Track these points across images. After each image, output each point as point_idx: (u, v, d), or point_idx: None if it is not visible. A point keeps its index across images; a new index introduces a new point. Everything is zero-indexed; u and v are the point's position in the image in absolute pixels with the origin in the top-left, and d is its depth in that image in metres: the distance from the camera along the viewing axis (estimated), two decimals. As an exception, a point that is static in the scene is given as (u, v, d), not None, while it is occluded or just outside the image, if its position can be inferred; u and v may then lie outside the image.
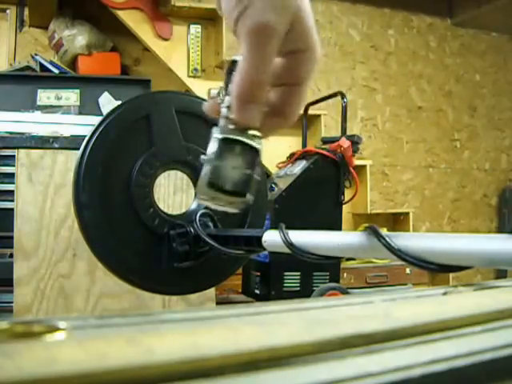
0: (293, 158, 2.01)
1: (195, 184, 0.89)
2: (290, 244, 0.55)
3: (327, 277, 1.88)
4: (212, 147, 0.42)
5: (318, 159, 1.90)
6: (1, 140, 1.34)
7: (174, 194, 1.19)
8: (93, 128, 0.81)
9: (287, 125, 0.43)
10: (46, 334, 0.21)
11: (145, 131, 0.83)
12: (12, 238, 1.20)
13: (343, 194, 1.92)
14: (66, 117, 1.90)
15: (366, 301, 0.32)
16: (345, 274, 2.21)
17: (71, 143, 1.27)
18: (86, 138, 0.80)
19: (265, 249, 0.64)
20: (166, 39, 2.54)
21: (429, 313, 0.26)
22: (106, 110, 1.96)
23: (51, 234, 1.20)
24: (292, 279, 1.84)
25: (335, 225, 1.89)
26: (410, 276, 2.35)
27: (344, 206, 1.97)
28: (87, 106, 2.35)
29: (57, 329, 0.22)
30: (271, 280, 1.83)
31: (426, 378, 0.19)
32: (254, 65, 0.38)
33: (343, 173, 1.90)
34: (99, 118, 0.83)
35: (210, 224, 0.83)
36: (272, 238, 0.61)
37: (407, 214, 2.93)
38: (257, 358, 0.19)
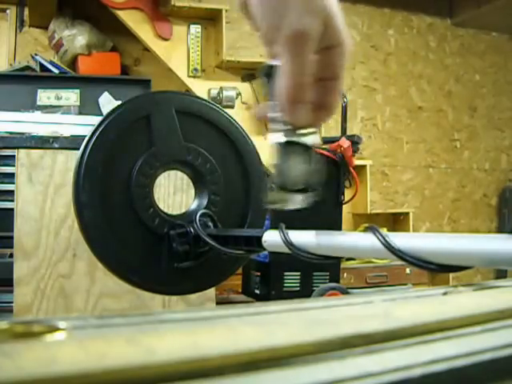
0: (293, 158, 2.01)
1: (195, 184, 0.89)
2: (289, 244, 0.55)
3: (327, 277, 1.88)
4: (273, 153, 0.45)
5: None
6: (1, 140, 1.34)
7: (173, 194, 1.19)
8: (93, 128, 0.81)
9: (330, 116, 0.47)
10: (45, 333, 0.21)
11: (145, 131, 0.83)
12: (12, 237, 1.20)
13: (343, 194, 1.92)
14: (65, 117, 1.90)
15: (366, 301, 0.32)
16: (345, 274, 2.21)
17: (71, 143, 1.27)
18: (86, 138, 0.80)
19: (265, 249, 0.64)
20: (165, 39, 2.54)
21: (429, 313, 0.26)
22: (105, 110, 1.96)
23: (51, 234, 1.20)
24: (292, 279, 1.84)
25: (335, 225, 1.89)
26: (410, 276, 2.35)
27: (344, 206, 1.97)
28: (87, 106, 2.35)
29: (57, 329, 0.22)
30: (271, 280, 1.83)
31: (425, 378, 0.19)
32: (296, 68, 0.41)
33: (343, 173, 1.90)
34: (99, 118, 0.83)
35: (210, 224, 0.83)
36: (272, 238, 0.61)
37: (407, 214, 2.93)
38: (257, 358, 0.19)
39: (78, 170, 0.79)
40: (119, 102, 0.88)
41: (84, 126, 1.70)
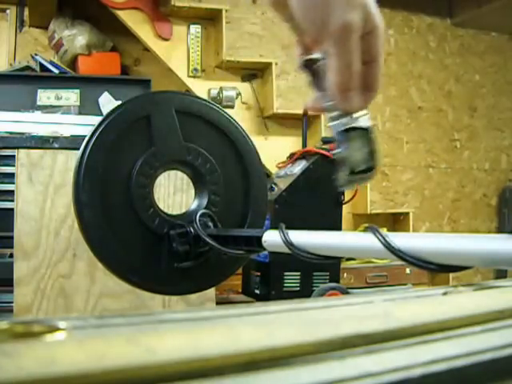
0: (293, 158, 2.01)
1: (195, 184, 0.89)
2: (290, 244, 0.55)
3: (327, 277, 1.88)
4: (336, 141, 0.50)
5: (318, 159, 1.90)
6: (1, 140, 1.34)
7: (173, 194, 1.19)
8: (93, 128, 0.81)
9: (375, 96, 0.50)
10: (45, 333, 0.21)
11: (145, 131, 0.83)
12: (12, 237, 1.20)
13: (343, 194, 1.92)
14: (65, 117, 1.90)
15: (366, 301, 0.32)
16: (345, 274, 2.21)
17: (71, 143, 1.27)
18: (86, 138, 0.80)
19: (265, 249, 0.64)
20: (166, 39, 2.54)
21: (429, 313, 0.26)
22: (106, 110, 1.96)
23: (51, 234, 1.20)
24: (292, 279, 1.84)
25: (335, 225, 1.89)
26: (410, 276, 2.35)
27: (344, 206, 1.97)
28: (87, 106, 2.35)
29: (57, 329, 0.22)
30: (271, 280, 1.83)
31: (425, 378, 0.19)
32: (345, 60, 0.44)
33: (343, 173, 1.90)
34: (99, 118, 0.83)
35: (210, 224, 0.83)
36: (272, 238, 0.61)
37: (407, 214, 2.93)
38: (257, 358, 0.19)
39: (78, 169, 0.79)
40: (119, 102, 0.88)
41: (84, 126, 1.70)
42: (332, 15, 0.43)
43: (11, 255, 1.52)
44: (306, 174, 1.88)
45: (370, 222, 2.69)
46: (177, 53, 2.57)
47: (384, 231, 0.43)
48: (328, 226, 1.80)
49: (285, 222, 0.58)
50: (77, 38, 2.46)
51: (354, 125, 0.48)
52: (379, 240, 0.42)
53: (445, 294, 0.34)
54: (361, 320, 0.24)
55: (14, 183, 1.22)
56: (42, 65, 2.48)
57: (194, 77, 2.60)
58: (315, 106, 0.52)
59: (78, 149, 0.81)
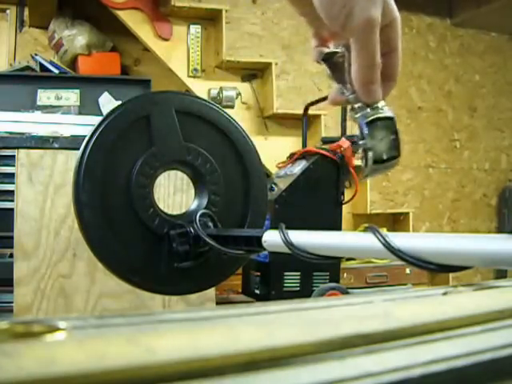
0: (293, 158, 2.01)
1: (195, 184, 0.89)
2: (290, 244, 0.55)
3: (327, 277, 1.88)
4: (362, 132, 0.51)
5: (318, 159, 1.90)
6: (1, 140, 1.34)
7: (173, 194, 1.19)
8: (93, 128, 0.81)
9: (394, 85, 0.51)
10: (45, 333, 0.21)
11: (145, 131, 0.83)
12: (12, 238, 1.20)
13: (343, 194, 1.92)
14: (66, 117, 1.90)
15: (366, 301, 0.32)
16: (345, 274, 2.21)
17: (71, 143, 1.27)
18: (86, 138, 0.80)
19: (265, 249, 0.64)
20: (166, 39, 2.54)
21: (429, 313, 0.26)
22: (106, 110, 1.96)
23: (51, 234, 1.20)
24: (292, 279, 1.84)
25: (335, 225, 1.89)
26: (410, 276, 2.35)
27: (344, 206, 1.97)
28: (87, 106, 2.35)
29: (57, 329, 0.22)
30: (271, 280, 1.83)
31: (425, 378, 0.19)
32: (368, 53, 0.46)
33: (343, 173, 1.90)
34: (99, 118, 0.83)
35: (210, 224, 0.83)
36: (272, 238, 0.61)
37: (407, 214, 2.93)
38: (257, 358, 0.19)
39: (78, 169, 0.79)
40: (119, 102, 0.88)
41: (84, 126, 1.70)
42: (355, 10, 0.44)
43: (11, 255, 1.52)
44: (306, 173, 1.88)
45: (369, 222, 2.69)
46: (177, 53, 2.57)
47: (384, 231, 0.43)
48: (328, 226, 1.81)
49: (285, 222, 0.58)
50: (77, 38, 2.46)
51: (377, 115, 0.50)
52: (379, 240, 0.42)
53: (445, 293, 0.34)
54: (361, 320, 0.24)
55: (14, 183, 1.22)
56: (42, 65, 2.48)
57: (194, 77, 2.60)
58: (336, 99, 0.54)
59: (78, 149, 0.81)
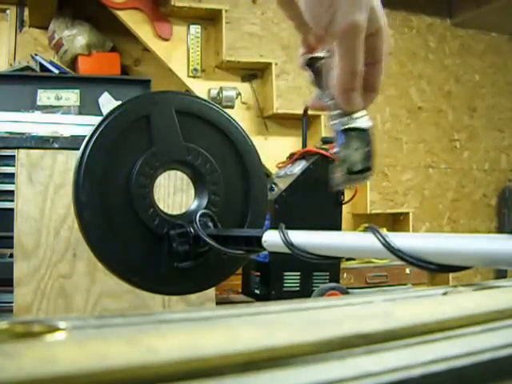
0: (293, 158, 2.01)
1: (195, 184, 0.89)
2: (289, 244, 0.55)
3: (327, 277, 1.88)
4: (337, 140, 0.50)
5: (318, 159, 1.90)
6: (1, 140, 1.34)
7: (173, 194, 1.19)
8: (93, 128, 0.81)
9: (376, 96, 0.51)
10: (45, 333, 0.21)
11: (145, 131, 0.83)
12: (12, 238, 1.20)
13: (343, 194, 1.92)
14: (65, 117, 1.90)
15: (365, 301, 0.32)
16: (345, 274, 2.20)
17: (71, 143, 1.27)
18: (86, 138, 0.80)
19: (265, 249, 0.64)
20: (165, 39, 2.54)
21: (429, 313, 0.26)
22: (105, 110, 1.96)
23: (51, 234, 1.20)
24: (292, 279, 1.84)
25: (335, 225, 1.89)
26: (410, 276, 2.35)
27: (344, 206, 1.97)
28: (87, 106, 2.35)
29: (57, 329, 0.22)
30: (271, 280, 1.83)
31: (425, 378, 0.19)
32: (350, 59, 0.45)
33: (343, 173, 1.90)
34: (99, 118, 0.83)
35: (210, 224, 0.83)
36: (272, 238, 0.61)
37: (407, 214, 2.93)
38: (257, 358, 0.19)
39: (78, 169, 0.79)
40: (119, 102, 0.88)
41: (84, 126, 1.70)
42: (339, 14, 0.43)
43: (11, 255, 1.52)
44: (306, 174, 1.88)
45: (369, 222, 2.69)
46: (177, 53, 2.57)
47: (384, 231, 0.43)
48: (328, 226, 1.81)
49: (285, 222, 0.58)
50: (77, 38, 2.46)
51: (353, 125, 0.49)
52: (379, 240, 0.42)
53: (445, 293, 0.34)
54: (361, 320, 0.24)
55: (14, 183, 1.22)
56: (41, 65, 2.48)
57: (194, 77, 2.60)
58: (316, 104, 0.53)
59: (78, 149, 0.81)
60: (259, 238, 0.64)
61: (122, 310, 1.20)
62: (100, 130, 0.80)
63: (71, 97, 2.39)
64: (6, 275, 1.26)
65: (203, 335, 0.21)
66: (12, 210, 1.21)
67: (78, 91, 2.40)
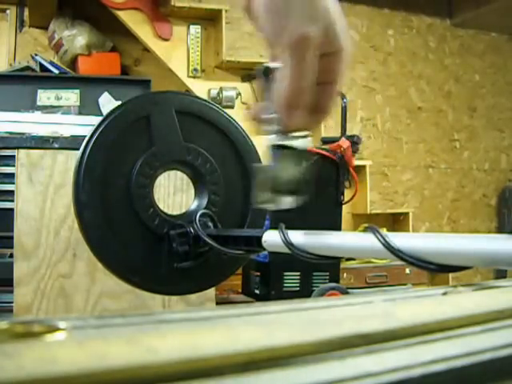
0: (293, 158, 2.01)
1: (195, 184, 0.89)
2: (289, 244, 0.55)
3: (327, 277, 1.88)
4: (265, 154, 0.46)
5: (318, 159, 1.90)
6: (1, 140, 1.34)
7: (173, 194, 1.19)
8: (93, 128, 0.81)
9: (324, 119, 0.47)
10: (45, 333, 0.21)
11: (145, 131, 0.83)
12: (12, 238, 1.20)
13: (343, 194, 1.92)
14: (65, 117, 1.90)
15: (365, 301, 0.32)
16: (345, 274, 2.21)
17: (71, 143, 1.27)
18: (86, 138, 0.80)
19: (265, 249, 0.64)
20: (165, 39, 2.54)
21: (428, 313, 0.26)
22: (105, 110, 1.96)
23: (51, 234, 1.20)
24: (292, 279, 1.84)
25: (335, 225, 1.89)
26: (410, 276, 2.35)
27: (344, 206, 1.97)
28: (87, 106, 2.35)
29: (57, 329, 0.22)
30: (271, 280, 1.83)
31: (425, 378, 0.19)
32: (297, 73, 0.42)
33: (343, 173, 1.90)
34: (99, 118, 0.83)
35: (210, 224, 0.83)
36: (272, 238, 0.61)
37: (407, 214, 2.93)
38: (257, 358, 0.19)
39: (78, 169, 0.79)
40: (119, 102, 0.88)
41: (84, 126, 1.70)
42: (290, 25, 0.41)
43: (11, 255, 1.52)
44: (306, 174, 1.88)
45: (369, 222, 2.69)
46: (177, 53, 2.57)
47: (384, 231, 0.43)
48: (328, 226, 1.81)
49: (285, 222, 0.58)
50: (77, 38, 2.46)
51: (288, 143, 0.45)
52: (379, 240, 0.42)
53: (444, 293, 0.34)
54: (361, 320, 0.24)
55: (14, 183, 1.22)
56: (41, 65, 2.48)
57: (194, 77, 2.60)
58: (257, 115, 0.48)
59: (78, 149, 0.81)
60: (259, 238, 0.64)
61: (122, 310, 1.20)
62: (100, 129, 0.80)
63: (71, 97, 2.39)
64: (6, 275, 1.26)
65: (203, 335, 0.21)
66: (12, 210, 1.21)
67: (77, 91, 2.40)
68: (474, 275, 3.24)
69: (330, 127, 2.80)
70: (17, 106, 2.10)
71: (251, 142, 0.91)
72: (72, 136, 1.35)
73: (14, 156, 1.25)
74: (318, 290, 1.78)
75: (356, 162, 1.96)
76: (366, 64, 3.17)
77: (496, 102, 3.53)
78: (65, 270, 1.20)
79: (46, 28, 2.57)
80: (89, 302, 1.21)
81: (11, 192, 1.43)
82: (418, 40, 3.32)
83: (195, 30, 2.61)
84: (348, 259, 2.27)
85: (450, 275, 2.59)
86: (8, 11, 2.65)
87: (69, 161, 1.22)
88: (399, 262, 0.43)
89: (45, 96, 2.35)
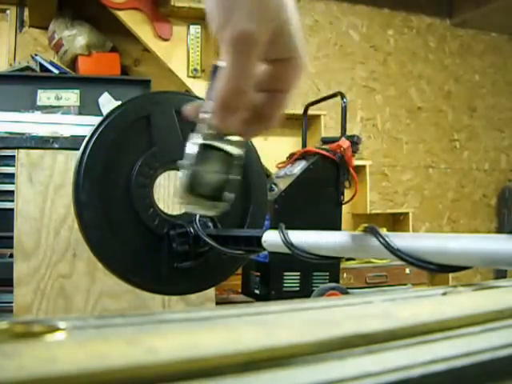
0: (292, 159, 2.01)
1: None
2: (289, 244, 0.55)
3: (327, 277, 1.88)
4: (190, 152, 0.42)
5: (318, 159, 1.90)
6: (1, 140, 1.34)
7: (173, 194, 1.19)
8: (93, 128, 0.81)
9: (266, 130, 0.43)
10: (45, 333, 0.21)
11: (145, 131, 0.83)
12: (12, 238, 1.20)
13: (343, 194, 1.92)
14: (65, 117, 1.90)
15: (365, 301, 0.32)
16: (344, 274, 2.21)
17: (71, 143, 1.27)
18: (86, 138, 0.80)
19: (265, 249, 0.64)
20: (165, 39, 2.54)
21: (428, 313, 0.26)
22: (105, 110, 1.96)
23: (51, 234, 1.20)
24: (292, 279, 1.84)
25: (335, 225, 1.89)
26: (410, 276, 2.35)
27: (344, 206, 1.97)
28: (87, 107, 2.35)
29: (57, 329, 0.22)
30: (271, 280, 1.83)
31: (425, 378, 0.19)
32: (235, 73, 0.38)
33: (343, 173, 1.90)
34: (99, 118, 0.83)
35: (210, 224, 0.83)
36: (272, 238, 0.61)
37: (407, 214, 2.93)
38: (257, 358, 0.19)
39: (78, 169, 0.79)
40: (119, 102, 0.88)
41: (84, 126, 1.70)
42: (232, 20, 0.37)
43: (11, 255, 1.52)
44: (306, 174, 1.89)
45: (369, 222, 2.69)
46: (177, 53, 2.57)
47: (384, 231, 0.43)
48: (328, 226, 1.81)
49: (284, 222, 0.58)
50: (77, 38, 2.46)
51: (218, 144, 0.41)
52: (379, 240, 0.42)
53: (444, 294, 0.34)
54: (361, 320, 0.24)
55: (14, 183, 1.22)
56: (41, 65, 2.48)
57: (194, 77, 2.60)
58: (192, 113, 0.45)
59: (78, 149, 0.81)
60: (259, 238, 0.64)
61: (122, 310, 1.20)
62: (100, 129, 0.80)
63: (71, 97, 2.39)
64: (6, 275, 1.26)
65: (203, 335, 0.21)
66: (12, 210, 1.21)
67: (77, 91, 2.40)
68: (474, 275, 3.24)
69: (329, 127, 2.80)
70: (17, 106, 2.10)
71: (251, 142, 0.91)
72: (72, 136, 1.35)
73: (14, 156, 1.25)
74: (318, 290, 1.78)
75: (356, 162, 1.96)
76: (365, 64, 3.17)
77: (496, 102, 3.53)
78: (65, 270, 1.20)
79: (46, 28, 2.57)
80: (89, 302, 1.21)
81: (11, 192, 1.43)
82: (417, 40, 3.32)
83: (195, 30, 2.61)
84: (348, 259, 2.27)
85: (450, 275, 2.59)
86: (8, 11, 2.65)
87: (69, 161, 1.22)
88: (399, 262, 0.43)
89: (45, 96, 2.35)
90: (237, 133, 0.42)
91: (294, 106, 2.68)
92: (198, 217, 0.81)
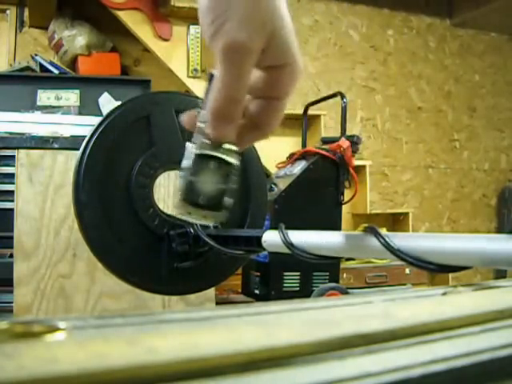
0: (292, 159, 2.01)
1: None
2: (289, 244, 0.55)
3: (327, 277, 1.88)
4: (187, 162, 0.42)
5: (318, 159, 1.90)
6: (1, 140, 1.34)
7: (173, 194, 1.19)
8: (93, 128, 0.81)
9: (262, 138, 0.43)
10: (45, 333, 0.21)
11: (145, 131, 0.83)
12: (12, 238, 1.20)
13: (343, 194, 1.92)
14: (65, 117, 1.90)
15: (365, 301, 0.32)
16: (344, 274, 2.21)
17: (71, 143, 1.27)
18: (86, 138, 0.80)
19: (264, 249, 0.64)
20: (165, 40, 2.54)
21: (428, 313, 0.26)
22: (105, 111, 1.96)
23: (51, 234, 1.20)
24: (292, 279, 1.84)
25: (335, 225, 1.89)
26: (410, 276, 2.35)
27: (343, 206, 1.97)
28: (87, 107, 2.35)
29: (57, 329, 0.22)
30: (271, 280, 1.83)
31: (425, 378, 0.19)
32: (229, 82, 0.37)
33: (343, 173, 1.90)
34: (99, 119, 0.83)
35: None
36: (272, 238, 0.61)
37: (407, 214, 2.93)
38: (257, 358, 0.19)
39: (78, 169, 0.79)
40: (119, 103, 0.88)
41: (84, 126, 1.70)
42: (224, 28, 0.36)
43: (11, 255, 1.52)
44: (306, 174, 1.89)
45: (369, 222, 2.69)
46: (177, 53, 2.57)
47: (384, 231, 0.43)
48: (328, 226, 1.81)
49: (284, 222, 0.58)
50: (77, 38, 2.46)
51: (215, 153, 0.41)
52: (379, 240, 0.42)
53: (444, 294, 0.34)
54: (361, 320, 0.24)
55: (14, 183, 1.22)
56: (41, 65, 2.48)
57: (194, 77, 2.60)
58: (190, 121, 0.44)
59: (78, 149, 0.81)
60: (259, 238, 0.64)
61: (122, 310, 1.20)
62: (100, 130, 0.80)
63: (71, 97, 2.39)
64: (6, 275, 1.26)
65: (203, 335, 0.21)
66: (12, 210, 1.21)
67: (77, 91, 2.40)
68: (474, 275, 3.24)
69: (329, 127, 2.80)
70: (17, 106, 2.10)
71: (251, 142, 0.91)
72: (72, 136, 1.36)
73: (14, 156, 1.25)
74: (318, 290, 1.78)
75: (356, 162, 1.96)
76: (366, 64, 3.17)
77: (496, 102, 3.53)
78: (65, 270, 1.20)
79: (45, 28, 2.57)
80: (89, 302, 1.21)
81: (11, 192, 1.43)
82: (417, 40, 3.32)
83: (195, 30, 2.61)
84: (348, 259, 2.27)
85: (450, 275, 2.59)
86: (8, 11, 2.65)
87: (69, 161, 1.22)
88: (399, 262, 0.43)
89: (45, 96, 2.35)
90: (233, 142, 0.41)
91: (294, 106, 2.68)
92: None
